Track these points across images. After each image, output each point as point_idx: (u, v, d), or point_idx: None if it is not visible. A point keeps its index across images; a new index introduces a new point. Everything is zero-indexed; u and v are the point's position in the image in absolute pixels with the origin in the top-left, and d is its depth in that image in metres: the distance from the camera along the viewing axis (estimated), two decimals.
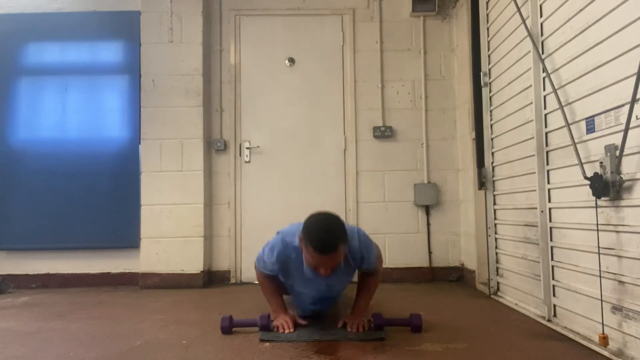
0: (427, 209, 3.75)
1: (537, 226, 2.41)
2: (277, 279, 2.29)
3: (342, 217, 3.25)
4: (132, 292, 3.40)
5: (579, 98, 2.03)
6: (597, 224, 1.88)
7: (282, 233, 2.17)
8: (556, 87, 2.18)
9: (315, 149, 3.80)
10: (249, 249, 3.74)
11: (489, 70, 3.05)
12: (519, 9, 2.47)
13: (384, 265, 3.65)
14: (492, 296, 3.01)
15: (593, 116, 1.93)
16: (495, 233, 3.02)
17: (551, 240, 2.31)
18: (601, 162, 1.82)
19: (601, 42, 1.87)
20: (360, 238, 2.14)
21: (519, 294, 2.70)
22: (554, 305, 2.29)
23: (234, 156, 3.80)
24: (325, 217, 1.99)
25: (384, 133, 3.77)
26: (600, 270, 1.85)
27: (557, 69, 2.22)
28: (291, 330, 2.14)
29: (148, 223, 3.59)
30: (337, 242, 1.89)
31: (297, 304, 2.41)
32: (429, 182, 3.76)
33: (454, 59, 3.83)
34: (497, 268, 3.01)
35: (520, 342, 2.03)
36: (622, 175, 1.75)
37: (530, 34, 2.39)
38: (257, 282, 3.74)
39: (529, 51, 2.45)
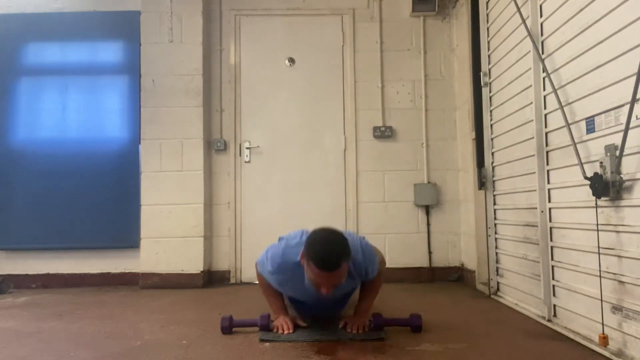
0: (427, 209, 3.75)
1: (537, 226, 2.41)
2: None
3: (342, 217, 3.23)
4: (132, 292, 3.40)
5: (579, 98, 2.03)
6: (597, 224, 1.88)
7: (284, 242, 2.12)
8: (556, 87, 2.18)
9: (315, 149, 3.80)
10: (249, 249, 3.74)
11: (489, 70, 3.05)
12: (519, 9, 2.47)
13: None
14: (492, 296, 3.01)
15: (593, 116, 1.93)
16: (495, 233, 3.02)
17: (551, 240, 2.31)
18: (601, 162, 1.82)
19: (601, 42, 1.87)
20: (364, 251, 2.09)
21: (519, 294, 2.70)
22: (554, 305, 2.29)
23: (234, 156, 3.80)
24: (328, 234, 1.93)
25: (384, 133, 3.77)
26: (600, 270, 1.85)
27: (557, 69, 2.22)
28: (291, 331, 2.13)
29: (148, 223, 3.59)
30: (339, 259, 1.84)
31: (297, 310, 2.38)
32: (429, 182, 3.76)
33: (454, 59, 3.83)
34: (497, 268, 3.01)
35: (520, 342, 2.03)
36: (622, 175, 1.75)
37: (530, 34, 2.39)
38: (257, 282, 3.75)
39: (529, 51, 2.45)
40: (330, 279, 1.86)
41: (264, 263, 2.17)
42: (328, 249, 1.85)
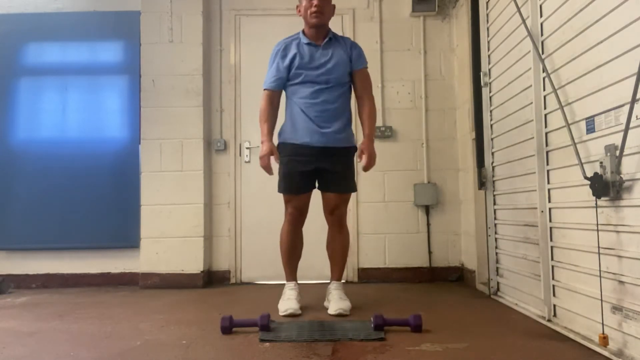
0: (427, 209, 3.75)
1: (537, 226, 2.41)
2: (275, 106, 2.69)
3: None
4: (132, 292, 3.40)
5: (579, 98, 2.03)
6: (597, 224, 1.88)
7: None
8: (556, 87, 2.18)
9: None
10: (249, 249, 3.75)
11: (489, 70, 3.05)
12: (519, 9, 2.47)
13: (384, 265, 3.70)
14: (492, 296, 3.01)
15: (593, 116, 1.93)
16: (495, 233, 3.02)
17: (551, 240, 2.31)
18: (601, 162, 1.82)
19: (601, 42, 1.87)
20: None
21: (519, 294, 2.70)
22: (554, 305, 2.29)
23: (234, 156, 3.80)
24: None
25: (384, 133, 3.77)
26: (600, 270, 1.85)
27: (557, 69, 2.22)
28: (276, 160, 2.63)
29: (148, 223, 3.59)
30: None
31: (302, 125, 2.64)
32: (429, 182, 3.76)
33: (454, 59, 3.83)
34: (497, 268, 3.01)
35: (520, 342, 2.04)
36: (622, 175, 1.75)
37: (530, 34, 2.39)
38: (257, 283, 3.75)
39: (529, 51, 2.45)
40: None
41: (268, 74, 2.71)
42: None
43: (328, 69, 2.63)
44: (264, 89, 2.70)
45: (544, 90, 2.37)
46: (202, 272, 3.56)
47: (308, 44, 2.67)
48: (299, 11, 2.70)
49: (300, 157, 2.61)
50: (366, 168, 2.61)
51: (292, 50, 2.66)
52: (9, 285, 3.51)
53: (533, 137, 2.43)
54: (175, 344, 2.06)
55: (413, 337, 2.09)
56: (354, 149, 2.72)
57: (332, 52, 2.67)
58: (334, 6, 2.76)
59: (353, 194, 2.90)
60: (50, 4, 3.87)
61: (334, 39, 2.72)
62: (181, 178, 3.63)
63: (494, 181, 3.04)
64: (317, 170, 2.65)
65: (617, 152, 1.74)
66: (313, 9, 2.61)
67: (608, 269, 1.84)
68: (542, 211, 2.35)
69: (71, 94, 3.78)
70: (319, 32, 2.68)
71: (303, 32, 2.73)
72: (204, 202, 3.63)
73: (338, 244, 2.73)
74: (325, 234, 2.80)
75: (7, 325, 2.45)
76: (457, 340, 2.04)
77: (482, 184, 3.11)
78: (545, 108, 2.36)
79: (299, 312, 2.54)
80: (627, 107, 1.66)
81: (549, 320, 2.29)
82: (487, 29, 3.07)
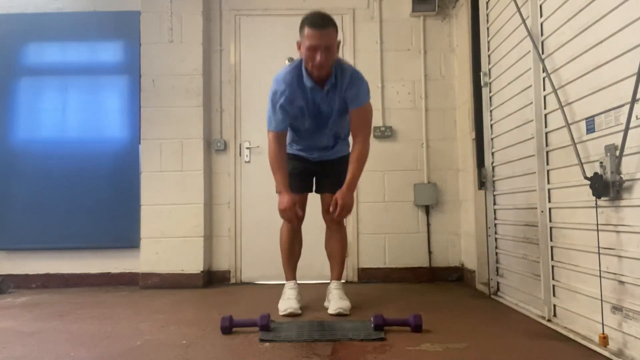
0: (427, 209, 3.75)
1: (537, 226, 2.41)
2: (284, 147, 2.60)
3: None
4: (132, 292, 3.40)
5: (579, 98, 2.03)
6: (597, 224, 1.88)
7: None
8: (556, 87, 2.18)
9: None
10: (249, 249, 3.75)
11: (489, 70, 3.05)
12: (519, 9, 2.47)
13: (384, 265, 3.69)
14: (492, 296, 3.01)
15: (593, 116, 1.93)
16: (495, 233, 3.02)
17: (551, 240, 2.31)
18: (601, 162, 1.82)
19: (601, 42, 1.87)
20: (353, 69, 2.54)
21: (519, 294, 2.70)
22: (554, 305, 2.29)
23: (234, 156, 3.80)
24: (319, 11, 2.42)
25: (384, 133, 3.77)
26: (600, 270, 1.85)
27: (557, 69, 2.22)
28: (300, 214, 2.52)
29: (148, 223, 3.59)
30: (328, 20, 2.34)
31: (300, 150, 2.73)
32: (429, 182, 3.76)
33: (454, 59, 3.83)
34: (497, 268, 3.01)
35: (520, 342, 2.04)
36: (622, 175, 1.75)
37: (530, 34, 2.39)
38: (257, 283, 3.75)
39: (529, 51, 2.45)
40: (322, 39, 2.30)
41: (270, 116, 2.54)
42: (318, 14, 2.38)
43: (327, 119, 2.58)
44: (270, 130, 2.56)
45: (544, 90, 2.37)
46: (202, 272, 3.56)
47: (312, 88, 2.47)
48: (299, 49, 2.42)
49: (297, 161, 2.70)
50: (337, 216, 2.47)
51: (299, 99, 2.49)
52: (9, 285, 3.51)
53: (533, 137, 2.43)
54: (175, 344, 2.06)
55: (413, 337, 2.09)
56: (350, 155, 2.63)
57: (330, 98, 2.51)
58: (339, 43, 2.47)
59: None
60: (50, 4, 3.87)
61: (334, 82, 2.48)
62: (181, 178, 3.63)
63: (494, 181, 3.04)
64: (315, 172, 2.73)
65: (617, 152, 1.74)
66: (316, 64, 2.34)
67: (608, 269, 1.84)
68: (542, 211, 2.35)
69: (71, 94, 3.78)
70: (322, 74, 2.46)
71: (305, 68, 2.46)
72: (204, 202, 3.63)
73: (336, 242, 2.74)
74: (324, 235, 2.81)
75: (7, 325, 2.45)
76: (457, 340, 2.04)
77: (482, 184, 3.11)
78: (545, 108, 2.36)
79: (299, 311, 2.54)
80: (627, 107, 1.66)
81: (549, 320, 2.29)
82: (487, 29, 3.07)
